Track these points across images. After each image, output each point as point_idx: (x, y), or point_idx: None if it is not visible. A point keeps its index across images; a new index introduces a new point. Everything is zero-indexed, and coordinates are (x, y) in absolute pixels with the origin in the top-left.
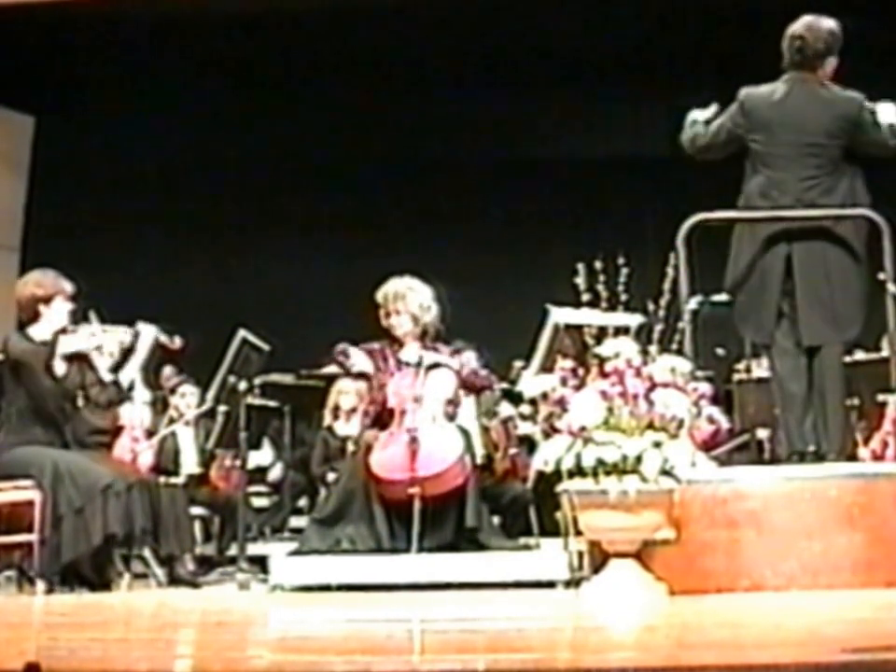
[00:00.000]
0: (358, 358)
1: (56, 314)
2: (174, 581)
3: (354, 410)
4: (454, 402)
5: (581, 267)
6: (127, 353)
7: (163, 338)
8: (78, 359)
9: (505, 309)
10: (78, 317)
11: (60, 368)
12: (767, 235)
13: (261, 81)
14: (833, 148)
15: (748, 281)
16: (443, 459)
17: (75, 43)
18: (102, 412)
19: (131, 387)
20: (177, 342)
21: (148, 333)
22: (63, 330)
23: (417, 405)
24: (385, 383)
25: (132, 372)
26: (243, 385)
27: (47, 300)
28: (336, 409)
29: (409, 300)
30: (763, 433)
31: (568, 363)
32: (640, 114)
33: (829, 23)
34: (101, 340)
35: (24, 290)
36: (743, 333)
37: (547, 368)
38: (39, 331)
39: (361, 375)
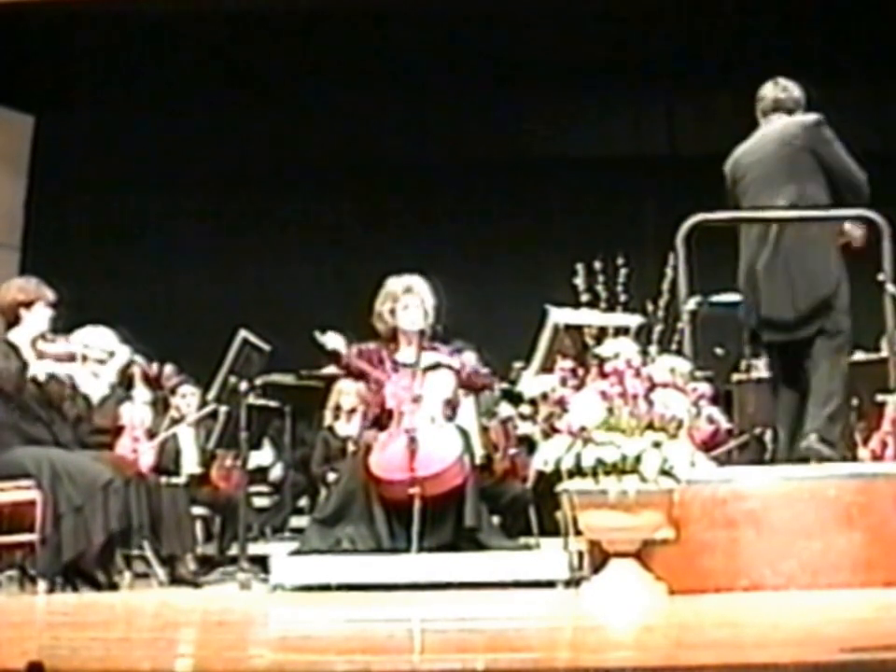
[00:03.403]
0: (356, 361)
1: (36, 318)
2: (175, 580)
3: (354, 410)
4: (452, 402)
5: (580, 267)
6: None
7: (140, 361)
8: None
9: (505, 309)
10: (59, 325)
11: (41, 374)
12: (761, 250)
13: (261, 81)
14: (800, 154)
15: (756, 284)
16: (442, 459)
17: (74, 42)
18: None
19: (102, 402)
20: (154, 368)
21: (123, 355)
22: (43, 336)
23: (416, 405)
24: (383, 384)
25: (102, 390)
26: (244, 386)
27: (28, 304)
28: (337, 409)
29: (421, 293)
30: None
31: (568, 363)
32: (640, 114)
33: (790, 82)
34: (79, 349)
35: (7, 295)
36: (765, 337)
37: (547, 368)
38: (18, 335)
39: (361, 376)
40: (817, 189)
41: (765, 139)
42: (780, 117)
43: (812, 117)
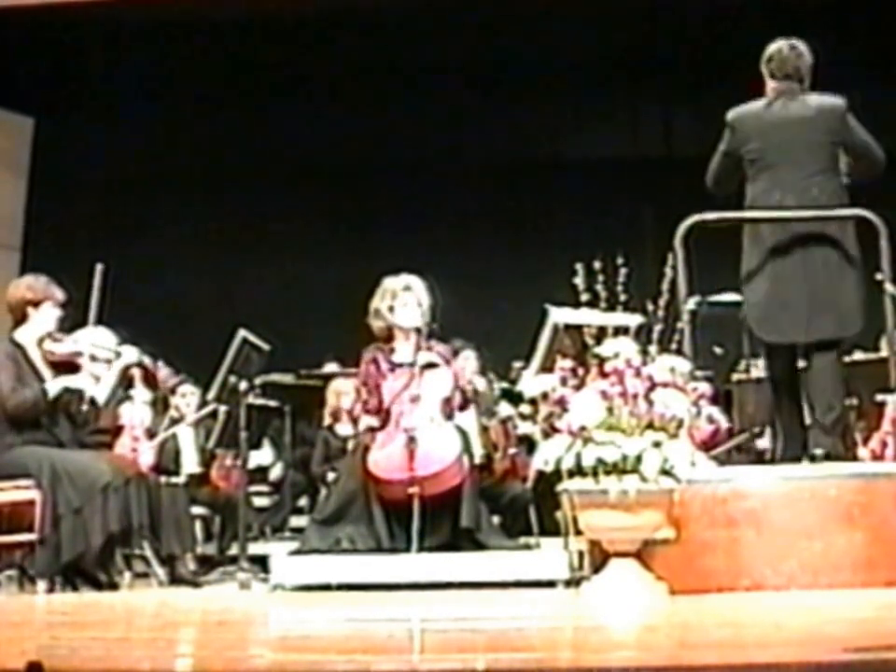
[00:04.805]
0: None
1: (44, 318)
2: (175, 580)
3: None
4: (451, 401)
5: (580, 267)
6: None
7: (147, 361)
8: (64, 367)
9: (505, 309)
10: (66, 325)
11: (46, 374)
12: (776, 240)
13: (261, 82)
14: (828, 147)
15: (764, 284)
16: (442, 459)
17: (74, 44)
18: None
19: (92, 403)
20: (159, 368)
21: (129, 355)
22: (50, 335)
23: (415, 405)
24: (380, 384)
25: (104, 393)
26: (243, 385)
27: (36, 303)
28: (336, 411)
29: (418, 291)
30: (762, 432)
31: (568, 363)
32: (639, 115)
33: (803, 45)
34: (86, 350)
35: (15, 292)
36: (761, 335)
37: (547, 368)
38: (24, 334)
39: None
40: (837, 186)
41: (792, 117)
42: (794, 87)
43: (840, 104)
